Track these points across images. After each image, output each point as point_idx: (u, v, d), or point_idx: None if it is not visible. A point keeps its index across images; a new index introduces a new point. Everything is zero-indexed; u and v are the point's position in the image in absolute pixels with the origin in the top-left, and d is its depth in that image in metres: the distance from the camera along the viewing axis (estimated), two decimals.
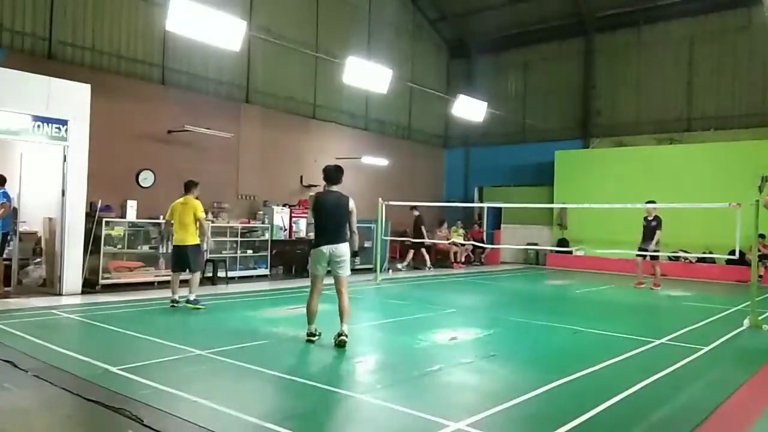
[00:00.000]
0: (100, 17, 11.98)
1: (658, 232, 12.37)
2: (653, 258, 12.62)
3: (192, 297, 8.46)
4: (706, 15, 17.04)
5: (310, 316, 6.36)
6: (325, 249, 6.19)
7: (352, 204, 6.37)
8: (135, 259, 11.08)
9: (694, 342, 6.90)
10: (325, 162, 17.94)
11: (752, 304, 8.14)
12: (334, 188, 6.40)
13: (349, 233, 6.38)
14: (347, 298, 6.28)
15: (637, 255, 12.66)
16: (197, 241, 8.66)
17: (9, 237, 9.38)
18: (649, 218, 12.58)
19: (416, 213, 16.23)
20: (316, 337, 6.33)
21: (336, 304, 6.25)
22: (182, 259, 8.66)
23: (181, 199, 8.73)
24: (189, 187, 8.78)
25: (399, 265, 16.01)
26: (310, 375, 5.02)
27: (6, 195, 9.08)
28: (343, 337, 6.08)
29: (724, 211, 11.31)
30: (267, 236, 13.34)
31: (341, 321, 6.19)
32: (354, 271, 14.75)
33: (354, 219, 6.40)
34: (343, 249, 6.26)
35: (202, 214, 8.66)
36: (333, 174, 6.39)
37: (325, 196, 6.37)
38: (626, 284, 13.41)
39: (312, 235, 6.42)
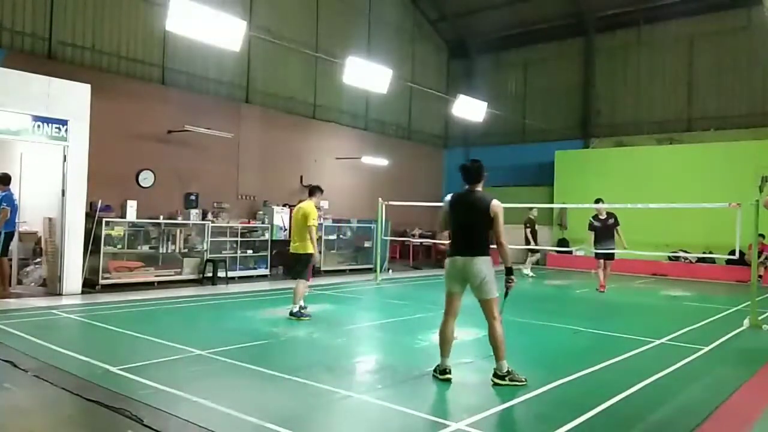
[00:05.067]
0: (100, 17, 11.98)
1: (618, 229, 11.70)
2: (610, 258, 11.89)
3: (294, 308, 7.96)
4: (706, 15, 17.02)
5: (442, 346, 5.10)
6: (459, 261, 5.07)
7: (494, 207, 4.99)
8: (135, 259, 11.11)
9: (694, 342, 6.90)
10: (325, 162, 17.82)
11: (752, 304, 8.14)
12: (477, 188, 5.18)
13: (487, 244, 5.10)
14: (498, 328, 4.95)
15: (604, 257, 11.84)
16: (308, 250, 8.11)
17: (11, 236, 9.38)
18: (601, 217, 11.83)
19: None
20: (448, 375, 4.98)
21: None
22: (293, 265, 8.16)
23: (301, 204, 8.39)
24: (311, 191, 8.40)
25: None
26: (310, 375, 5.02)
27: (8, 198, 9.06)
28: (494, 379, 4.90)
29: (724, 211, 11.30)
30: (267, 236, 13.37)
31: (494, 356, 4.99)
32: (354, 271, 14.99)
33: (499, 227, 5.02)
34: (480, 265, 4.97)
35: (310, 222, 7.99)
36: (471, 170, 5.16)
37: (460, 197, 5.22)
38: (626, 284, 13.41)
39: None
